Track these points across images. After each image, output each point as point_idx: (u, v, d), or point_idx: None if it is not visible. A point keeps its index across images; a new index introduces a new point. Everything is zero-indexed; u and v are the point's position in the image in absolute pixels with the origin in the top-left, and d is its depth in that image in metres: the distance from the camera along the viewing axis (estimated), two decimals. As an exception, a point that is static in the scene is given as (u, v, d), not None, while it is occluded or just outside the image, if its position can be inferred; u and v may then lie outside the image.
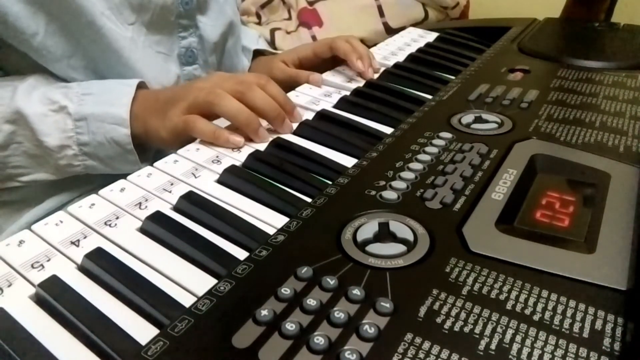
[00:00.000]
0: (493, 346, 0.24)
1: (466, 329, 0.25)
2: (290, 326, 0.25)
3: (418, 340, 0.24)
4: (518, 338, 0.25)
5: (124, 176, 0.41)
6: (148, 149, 0.52)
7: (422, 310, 0.26)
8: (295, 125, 0.50)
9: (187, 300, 0.29)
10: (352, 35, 0.67)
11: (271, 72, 0.67)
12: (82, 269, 0.32)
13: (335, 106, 0.55)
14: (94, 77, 0.53)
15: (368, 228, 0.32)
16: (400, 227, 0.32)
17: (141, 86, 0.51)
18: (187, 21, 0.58)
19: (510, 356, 0.24)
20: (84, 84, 0.51)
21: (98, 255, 0.32)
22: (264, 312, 0.26)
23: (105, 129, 0.48)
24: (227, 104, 0.46)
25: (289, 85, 0.61)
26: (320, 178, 0.41)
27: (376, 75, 0.64)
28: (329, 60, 0.67)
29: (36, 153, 0.49)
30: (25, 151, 0.49)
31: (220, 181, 0.41)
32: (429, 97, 0.55)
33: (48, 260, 0.32)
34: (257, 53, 0.76)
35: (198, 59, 0.61)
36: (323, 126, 0.50)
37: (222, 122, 0.48)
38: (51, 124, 0.48)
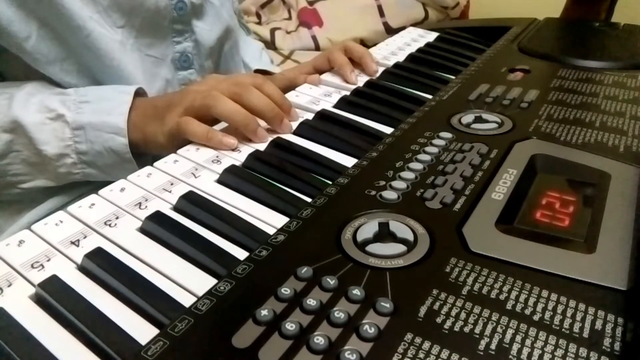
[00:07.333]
0: (493, 346, 0.24)
1: (466, 329, 0.25)
2: (290, 326, 0.25)
3: (418, 340, 0.24)
4: (518, 338, 0.25)
5: (123, 176, 0.41)
6: (145, 155, 0.52)
7: (422, 310, 0.26)
8: (294, 125, 0.50)
9: (187, 300, 0.29)
10: (349, 40, 0.67)
11: (272, 79, 0.67)
12: (82, 269, 0.32)
13: (335, 106, 0.55)
14: (88, 80, 0.53)
15: (368, 228, 0.32)
16: (400, 227, 0.32)
17: (139, 92, 0.51)
18: (181, 26, 0.58)
19: (510, 356, 0.24)
20: (81, 90, 0.51)
21: (98, 255, 0.32)
22: (264, 312, 0.26)
23: (103, 138, 0.48)
24: (223, 106, 0.46)
25: (286, 92, 0.61)
26: (320, 178, 0.41)
27: (376, 75, 0.64)
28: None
29: (35, 161, 0.49)
30: (24, 159, 0.49)
31: (220, 181, 0.41)
32: (429, 97, 0.55)
33: (48, 260, 0.32)
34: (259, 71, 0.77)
35: (194, 63, 0.61)
36: (323, 126, 0.50)
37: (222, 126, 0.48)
38: (49, 132, 0.48)
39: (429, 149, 0.42)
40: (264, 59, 0.81)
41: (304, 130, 0.49)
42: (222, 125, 0.48)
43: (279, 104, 0.49)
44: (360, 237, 0.32)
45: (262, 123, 0.48)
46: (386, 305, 0.26)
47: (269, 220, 0.36)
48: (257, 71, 0.76)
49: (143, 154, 0.51)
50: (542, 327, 0.25)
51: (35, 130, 0.48)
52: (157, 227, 0.35)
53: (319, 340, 0.24)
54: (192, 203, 0.37)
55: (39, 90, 0.50)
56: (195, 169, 0.42)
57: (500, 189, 0.36)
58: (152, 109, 0.49)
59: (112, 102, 0.49)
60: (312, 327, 0.25)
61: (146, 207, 0.37)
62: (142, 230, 0.35)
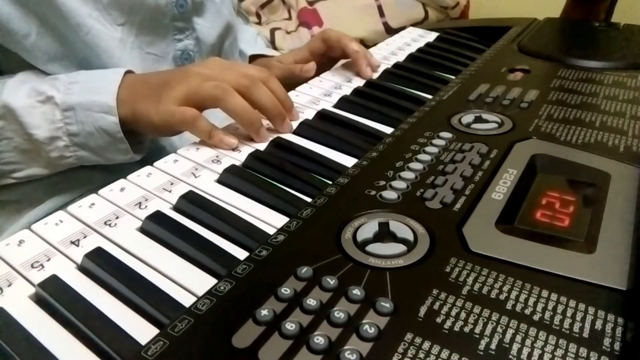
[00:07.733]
0: (493, 346, 0.24)
1: (466, 329, 0.25)
2: (290, 326, 0.25)
3: (418, 340, 0.24)
4: (518, 338, 0.25)
5: (123, 176, 0.41)
6: (142, 139, 0.52)
7: (422, 310, 0.26)
8: (295, 125, 0.50)
9: (187, 300, 0.29)
10: (345, 34, 0.67)
11: (269, 67, 0.67)
12: (82, 268, 0.32)
13: (335, 106, 0.55)
14: None
15: (368, 228, 0.32)
16: (400, 227, 0.32)
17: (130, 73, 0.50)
18: (182, 24, 0.58)
19: (510, 356, 0.24)
20: (72, 74, 0.50)
21: (98, 255, 0.32)
22: (264, 312, 0.26)
23: (93, 117, 0.48)
24: (234, 101, 0.45)
25: (285, 81, 0.61)
26: (320, 178, 0.41)
27: (376, 75, 0.64)
28: (326, 59, 0.67)
29: (27, 147, 0.49)
30: (16, 146, 0.49)
31: (220, 181, 0.41)
32: (429, 97, 0.55)
33: (48, 260, 0.32)
34: (255, 56, 0.76)
35: (195, 61, 0.61)
36: (323, 126, 0.50)
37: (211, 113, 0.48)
38: (39, 115, 0.48)
39: (429, 149, 0.42)
40: (259, 43, 0.81)
41: (304, 130, 0.49)
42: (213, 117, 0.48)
43: (281, 101, 0.49)
44: (360, 237, 0.32)
45: (264, 122, 0.48)
46: (386, 305, 0.26)
47: (269, 220, 0.36)
48: (254, 56, 0.76)
49: (134, 132, 0.50)
50: (542, 327, 0.25)
51: (25, 114, 0.47)
52: (157, 227, 0.35)
53: (319, 340, 0.24)
54: (192, 203, 0.37)
55: (31, 78, 0.50)
56: (195, 169, 0.42)
57: (501, 189, 0.36)
58: (143, 85, 0.48)
59: (102, 82, 0.49)
60: (312, 327, 0.25)
61: (146, 207, 0.37)
62: (142, 230, 0.35)
